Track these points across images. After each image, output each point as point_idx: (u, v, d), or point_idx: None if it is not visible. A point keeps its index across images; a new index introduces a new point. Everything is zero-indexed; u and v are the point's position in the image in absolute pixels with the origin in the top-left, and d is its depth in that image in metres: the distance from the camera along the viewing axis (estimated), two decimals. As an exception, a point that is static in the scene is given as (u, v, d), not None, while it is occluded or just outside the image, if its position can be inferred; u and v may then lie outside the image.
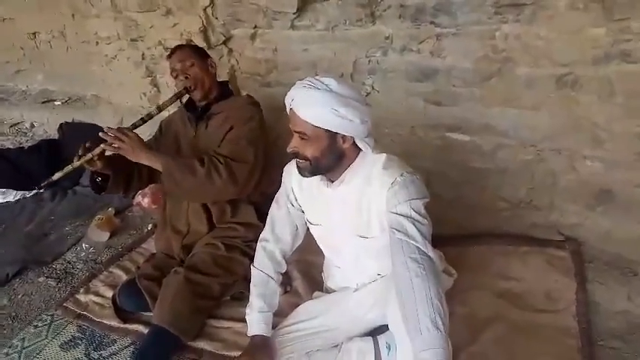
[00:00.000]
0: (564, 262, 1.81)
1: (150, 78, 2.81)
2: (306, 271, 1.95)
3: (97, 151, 1.64)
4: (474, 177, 2.06)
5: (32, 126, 3.77)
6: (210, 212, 1.90)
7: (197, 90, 1.86)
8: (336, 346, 1.52)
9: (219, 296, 1.81)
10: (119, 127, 1.70)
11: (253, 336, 1.47)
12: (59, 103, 3.51)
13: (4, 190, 2.97)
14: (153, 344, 1.62)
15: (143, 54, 2.73)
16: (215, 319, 1.79)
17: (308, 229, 1.59)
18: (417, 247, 1.20)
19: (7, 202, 2.89)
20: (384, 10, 1.93)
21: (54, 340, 1.77)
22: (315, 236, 1.58)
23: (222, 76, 2.29)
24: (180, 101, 1.96)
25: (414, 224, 1.24)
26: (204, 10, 2.33)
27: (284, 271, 1.60)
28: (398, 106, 2.10)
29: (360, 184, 1.36)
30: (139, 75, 2.82)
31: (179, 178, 1.69)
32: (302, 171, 1.37)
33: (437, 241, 1.31)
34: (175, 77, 1.87)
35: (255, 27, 2.29)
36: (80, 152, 1.66)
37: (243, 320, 1.74)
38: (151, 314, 1.71)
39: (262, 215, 1.71)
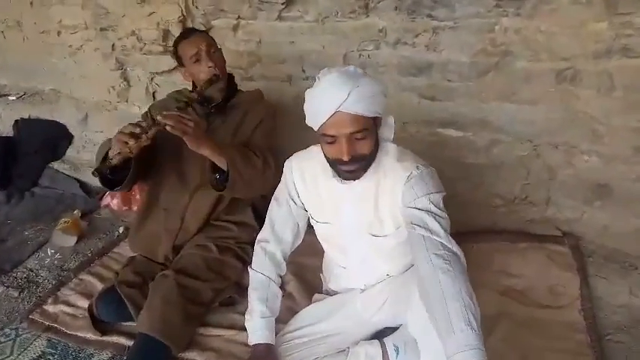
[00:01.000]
0: (564, 257, 1.81)
1: (120, 71, 2.60)
2: (299, 274, 1.86)
3: (152, 133, 1.40)
4: (468, 173, 2.03)
5: (-16, 122, 3.44)
6: (214, 208, 1.78)
7: (222, 80, 1.73)
8: (343, 351, 1.44)
9: (210, 302, 1.67)
10: (178, 113, 1.49)
11: (256, 344, 1.35)
12: (14, 98, 3.23)
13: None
14: (141, 356, 1.45)
15: (113, 45, 2.53)
16: (203, 326, 1.65)
17: (308, 228, 1.50)
18: (441, 243, 1.14)
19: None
20: (379, 1, 1.87)
21: (21, 356, 1.59)
22: (319, 235, 1.49)
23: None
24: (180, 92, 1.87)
25: (435, 219, 1.18)
26: (185, -2, 2.19)
27: (284, 273, 1.49)
28: (389, 100, 2.03)
29: (375, 178, 1.27)
30: (107, 67, 2.61)
31: (242, 169, 1.56)
32: (356, 174, 1.22)
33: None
34: (196, 62, 1.70)
35: (239, 17, 2.17)
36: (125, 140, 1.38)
37: (233, 327, 1.66)
38: (132, 324, 1.56)
39: (259, 217, 1.62)
